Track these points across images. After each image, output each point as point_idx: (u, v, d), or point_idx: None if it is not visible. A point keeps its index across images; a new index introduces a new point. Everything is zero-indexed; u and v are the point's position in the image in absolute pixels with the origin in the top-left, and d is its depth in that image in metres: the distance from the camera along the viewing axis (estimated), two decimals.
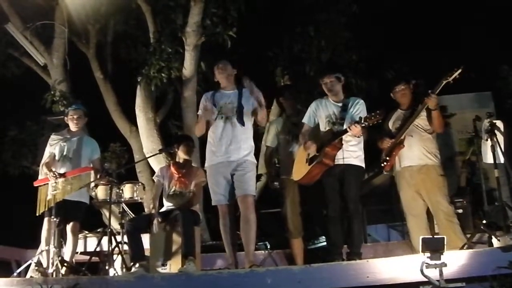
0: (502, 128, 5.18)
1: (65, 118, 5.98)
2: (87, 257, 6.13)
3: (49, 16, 8.15)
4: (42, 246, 5.54)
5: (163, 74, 7.19)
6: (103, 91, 8.28)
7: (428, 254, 3.79)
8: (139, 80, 7.48)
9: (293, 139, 5.51)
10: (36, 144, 7.92)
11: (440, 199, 5.10)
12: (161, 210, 5.34)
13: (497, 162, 5.11)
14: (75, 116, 5.87)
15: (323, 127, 5.08)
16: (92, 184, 5.87)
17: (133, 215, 6.36)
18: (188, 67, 7.30)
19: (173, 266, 5.02)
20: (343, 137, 4.85)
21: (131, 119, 8.00)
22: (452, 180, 6.04)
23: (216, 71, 5.08)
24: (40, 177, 5.76)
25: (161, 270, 5.01)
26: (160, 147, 6.85)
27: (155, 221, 5.10)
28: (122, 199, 6.06)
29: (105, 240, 5.93)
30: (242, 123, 4.90)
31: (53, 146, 5.82)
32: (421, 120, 5.19)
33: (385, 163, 5.21)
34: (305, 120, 5.22)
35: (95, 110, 6.63)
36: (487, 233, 5.03)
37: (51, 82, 8.07)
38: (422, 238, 3.87)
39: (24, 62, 8.50)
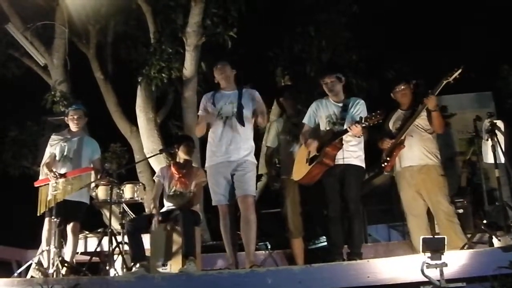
0: (502, 128, 5.17)
1: (66, 118, 5.99)
2: (88, 257, 6.12)
3: (49, 17, 8.15)
4: (43, 246, 5.54)
5: (163, 75, 7.18)
6: (103, 91, 8.28)
7: (428, 254, 3.78)
8: (139, 80, 7.48)
9: (293, 139, 5.50)
10: (36, 144, 7.92)
11: (441, 199, 5.09)
12: (161, 210, 5.34)
13: (497, 162, 5.10)
14: (75, 116, 5.87)
15: (324, 127, 5.07)
16: (93, 185, 5.87)
17: (134, 216, 6.38)
18: (189, 67, 7.29)
19: (174, 266, 5.02)
20: (344, 137, 4.84)
21: (132, 120, 7.99)
22: (453, 180, 6.03)
23: (215, 72, 5.08)
24: (40, 177, 5.77)
25: (161, 270, 5.01)
26: (161, 147, 6.83)
27: (154, 219, 5.11)
28: (123, 199, 6.06)
29: (105, 240, 5.93)
30: (242, 124, 4.89)
31: (54, 147, 5.82)
32: (422, 120, 5.18)
33: (385, 164, 5.20)
34: (305, 120, 5.21)
35: (95, 111, 6.64)
36: (488, 233, 5.02)
37: (51, 82, 8.07)
38: (423, 238, 3.87)
39: (25, 63, 8.50)
